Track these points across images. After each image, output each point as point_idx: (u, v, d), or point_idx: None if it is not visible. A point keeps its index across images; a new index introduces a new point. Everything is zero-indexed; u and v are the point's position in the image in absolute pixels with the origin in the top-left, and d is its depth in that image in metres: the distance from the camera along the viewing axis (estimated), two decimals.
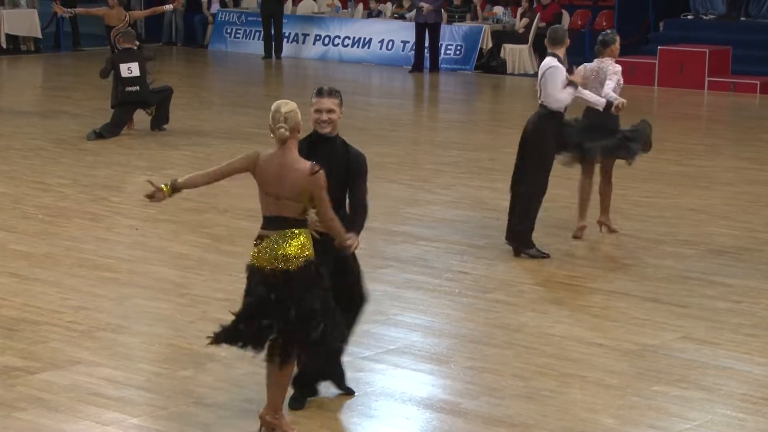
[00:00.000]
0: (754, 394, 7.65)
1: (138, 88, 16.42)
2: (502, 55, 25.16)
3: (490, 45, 25.35)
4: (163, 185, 6.79)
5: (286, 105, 6.72)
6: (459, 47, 25.41)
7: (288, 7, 28.23)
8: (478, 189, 13.62)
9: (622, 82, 11.27)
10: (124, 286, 9.77)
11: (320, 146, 7.05)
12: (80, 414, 7.11)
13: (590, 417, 7.21)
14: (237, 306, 6.85)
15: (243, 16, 28.48)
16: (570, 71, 10.85)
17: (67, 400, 7.31)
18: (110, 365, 7.91)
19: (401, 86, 23.87)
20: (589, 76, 11.19)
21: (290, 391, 7.06)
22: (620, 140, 11.21)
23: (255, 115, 18.40)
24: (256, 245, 6.73)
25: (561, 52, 10.88)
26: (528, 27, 25.08)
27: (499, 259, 10.71)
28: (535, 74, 24.57)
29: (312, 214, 6.75)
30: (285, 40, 27.13)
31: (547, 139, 10.62)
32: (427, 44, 24.67)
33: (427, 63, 24.79)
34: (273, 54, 26.79)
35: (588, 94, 11.01)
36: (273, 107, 6.71)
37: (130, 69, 16.39)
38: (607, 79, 11.11)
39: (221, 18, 28.79)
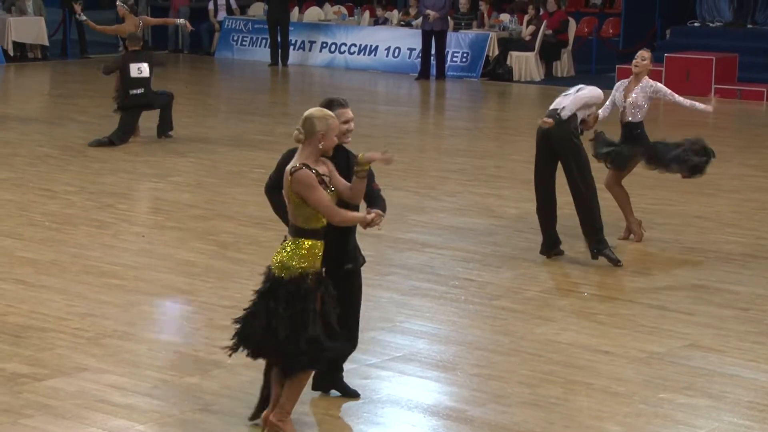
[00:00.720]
0: (760, 401, 7.64)
1: (143, 90, 16.43)
2: (508, 62, 25.17)
3: (496, 52, 25.36)
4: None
5: (313, 110, 6.71)
6: (465, 55, 25.42)
7: (294, 14, 28.28)
8: (484, 196, 13.62)
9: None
10: (131, 293, 9.77)
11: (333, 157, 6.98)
12: (87, 421, 7.12)
13: (596, 424, 7.20)
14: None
15: (249, 23, 28.51)
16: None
17: (74, 406, 7.32)
18: (117, 372, 7.92)
19: (407, 93, 23.87)
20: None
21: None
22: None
23: (261, 123, 18.41)
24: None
25: None
26: (534, 34, 25.08)
27: (505, 267, 10.70)
28: (542, 81, 24.65)
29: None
30: (291, 47, 27.16)
31: (576, 140, 10.63)
32: (433, 52, 24.68)
33: (433, 70, 24.80)
34: (279, 61, 26.82)
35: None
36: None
37: (140, 69, 16.39)
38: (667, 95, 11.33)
39: (228, 25, 28.82)
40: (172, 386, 7.68)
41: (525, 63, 25.04)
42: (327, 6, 29.15)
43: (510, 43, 25.42)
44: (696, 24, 25.30)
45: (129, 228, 11.95)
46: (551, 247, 10.93)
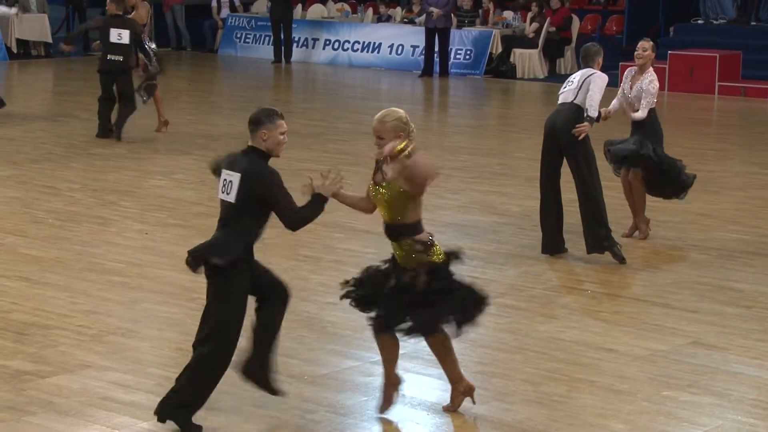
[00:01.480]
0: (764, 399, 7.63)
1: (122, 58, 16.26)
2: (511, 59, 25.17)
3: (499, 50, 25.36)
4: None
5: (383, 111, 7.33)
6: (469, 52, 25.42)
7: (298, 11, 28.27)
8: (487, 194, 13.62)
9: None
10: (134, 290, 9.78)
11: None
12: (90, 418, 7.12)
13: (600, 422, 7.20)
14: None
15: (253, 20, 28.52)
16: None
17: (77, 404, 7.32)
18: (120, 369, 7.92)
19: (411, 91, 23.87)
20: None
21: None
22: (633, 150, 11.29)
23: None
24: None
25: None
26: (538, 32, 25.09)
27: (509, 264, 10.70)
28: (545, 79, 24.64)
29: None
30: (295, 44, 27.16)
31: (584, 140, 10.60)
32: (436, 49, 24.69)
33: (436, 68, 24.81)
34: (283, 58, 26.82)
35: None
36: None
37: (120, 35, 16.19)
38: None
39: (231, 23, 28.83)
40: None
41: (528, 60, 25.04)
42: (330, 3, 29.15)
43: (513, 41, 25.42)
44: (700, 21, 25.28)
45: (132, 225, 11.95)
46: (554, 249, 10.90)
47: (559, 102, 10.78)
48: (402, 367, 8.05)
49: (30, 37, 27.23)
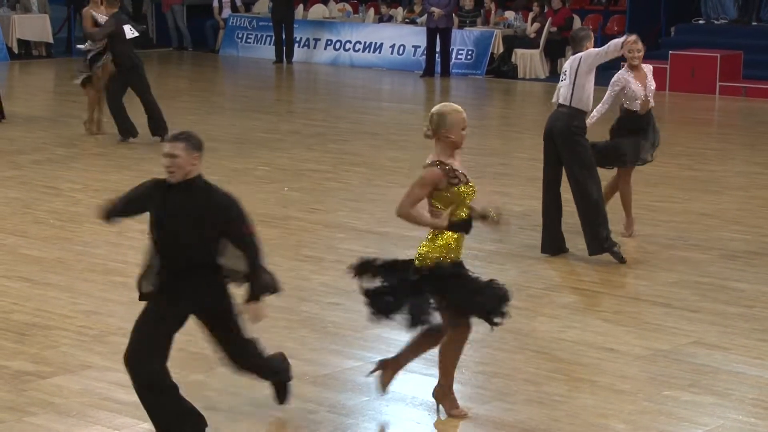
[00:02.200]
0: (765, 398, 7.63)
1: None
2: (513, 59, 25.17)
3: (501, 50, 25.36)
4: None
5: (438, 106, 7.27)
6: (470, 52, 25.42)
7: (299, 11, 28.28)
8: (488, 194, 13.59)
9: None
10: (135, 290, 9.75)
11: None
12: (91, 418, 7.12)
13: (601, 422, 7.20)
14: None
15: (254, 21, 28.52)
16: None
17: (79, 404, 7.32)
18: (121, 370, 7.87)
19: (412, 91, 23.87)
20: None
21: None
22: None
23: (266, 120, 18.40)
24: None
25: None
26: (539, 32, 25.08)
27: (510, 264, 10.70)
28: (546, 79, 24.63)
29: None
30: (296, 44, 27.16)
31: (577, 137, 10.60)
32: (438, 49, 24.68)
33: (438, 68, 24.81)
34: (284, 59, 26.82)
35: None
36: None
37: (131, 29, 16.34)
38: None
39: (232, 23, 28.84)
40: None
41: (530, 60, 25.03)
42: (331, 3, 29.15)
43: (515, 41, 25.42)
44: (701, 21, 25.27)
45: (133, 225, 11.87)
46: (555, 249, 10.90)
47: (560, 102, 10.78)
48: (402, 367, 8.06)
49: (31, 38, 27.25)
